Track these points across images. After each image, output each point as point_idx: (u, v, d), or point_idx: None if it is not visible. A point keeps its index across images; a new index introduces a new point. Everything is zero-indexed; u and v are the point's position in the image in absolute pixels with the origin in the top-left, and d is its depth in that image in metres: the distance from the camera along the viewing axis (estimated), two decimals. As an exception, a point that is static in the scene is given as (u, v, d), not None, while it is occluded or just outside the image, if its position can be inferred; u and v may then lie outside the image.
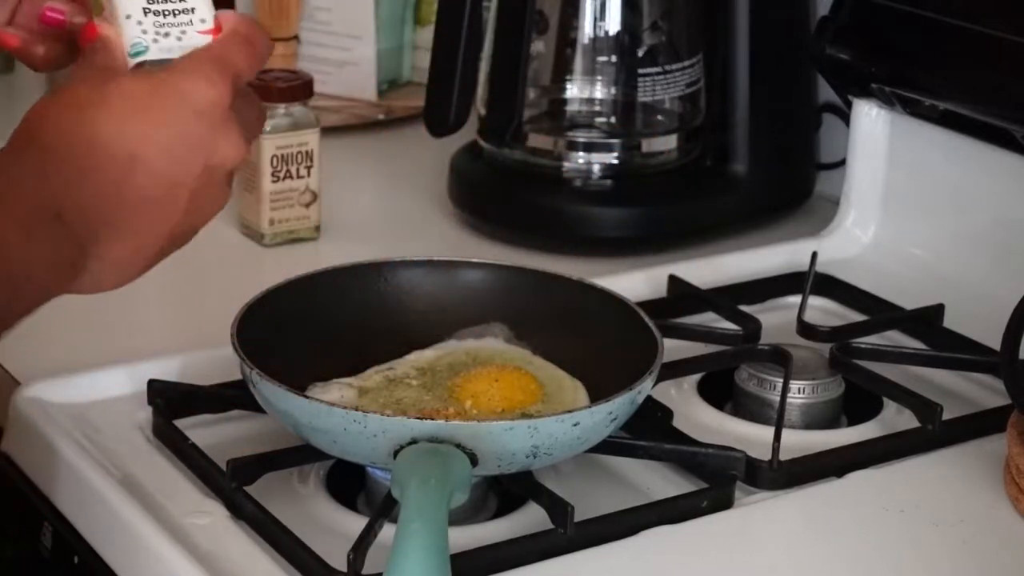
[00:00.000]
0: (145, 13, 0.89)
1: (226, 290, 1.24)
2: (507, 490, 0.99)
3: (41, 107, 0.81)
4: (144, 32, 0.89)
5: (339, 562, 0.89)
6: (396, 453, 0.91)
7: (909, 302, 1.23)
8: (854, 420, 1.12)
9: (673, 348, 1.10)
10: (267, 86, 1.36)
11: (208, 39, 0.88)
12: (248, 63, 0.84)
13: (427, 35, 1.51)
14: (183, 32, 0.90)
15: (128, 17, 0.89)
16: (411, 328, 1.10)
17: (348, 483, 1.01)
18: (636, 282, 1.26)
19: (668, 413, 1.06)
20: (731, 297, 1.24)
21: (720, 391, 1.14)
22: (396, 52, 1.70)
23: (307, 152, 1.36)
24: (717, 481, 1.00)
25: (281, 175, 1.35)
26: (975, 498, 1.01)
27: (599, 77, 1.40)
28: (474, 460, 0.92)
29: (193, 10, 0.89)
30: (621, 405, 0.96)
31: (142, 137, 0.80)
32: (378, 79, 1.66)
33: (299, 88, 1.36)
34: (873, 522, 0.98)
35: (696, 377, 1.15)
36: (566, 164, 1.39)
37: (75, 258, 0.81)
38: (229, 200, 0.86)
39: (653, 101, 1.40)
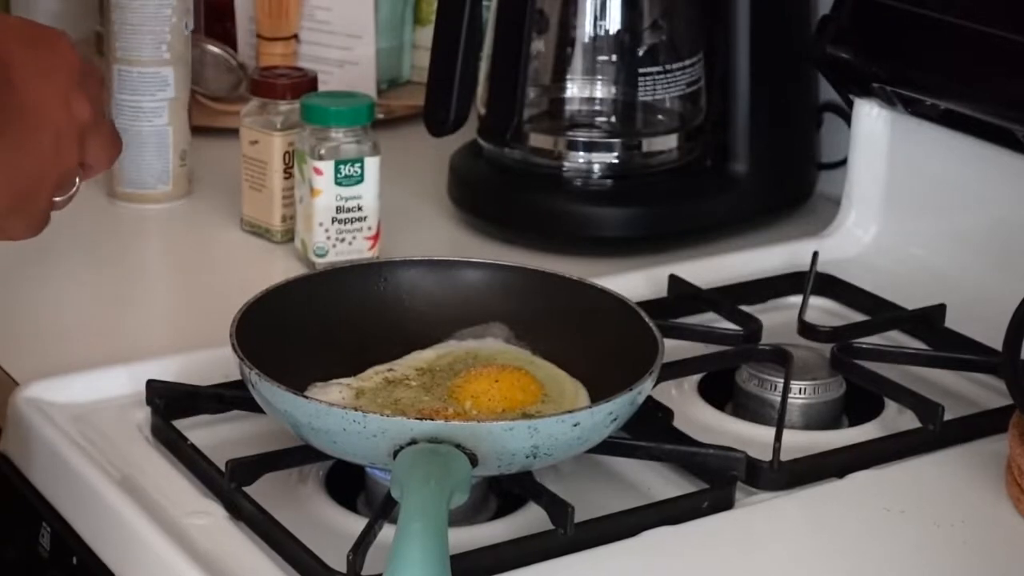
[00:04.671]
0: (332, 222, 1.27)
1: (224, 290, 1.24)
2: (507, 491, 0.99)
3: None
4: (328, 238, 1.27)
5: (339, 563, 0.88)
6: (396, 453, 0.91)
7: (910, 302, 1.23)
8: (855, 420, 1.11)
9: (673, 348, 1.10)
10: (273, 83, 1.36)
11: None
12: (93, 67, 0.94)
13: (427, 34, 1.50)
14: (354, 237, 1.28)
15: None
16: (410, 328, 1.09)
17: (348, 484, 1.01)
18: (636, 282, 1.26)
19: (669, 413, 1.06)
20: (732, 297, 1.24)
21: (721, 391, 1.13)
22: (396, 51, 1.70)
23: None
24: (718, 481, 1.00)
25: (292, 171, 1.35)
26: (976, 499, 1.01)
27: (599, 76, 1.40)
28: (474, 460, 0.91)
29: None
30: (621, 405, 0.96)
31: (14, 49, 0.88)
32: (378, 78, 1.66)
33: (305, 84, 1.37)
34: (874, 523, 0.98)
35: (697, 377, 1.14)
36: (566, 164, 1.39)
37: None
38: (77, 170, 0.92)
39: (653, 100, 1.39)
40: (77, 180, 0.93)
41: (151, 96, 1.43)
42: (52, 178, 0.90)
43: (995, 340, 1.05)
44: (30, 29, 0.90)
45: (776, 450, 1.01)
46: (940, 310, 1.21)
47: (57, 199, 0.93)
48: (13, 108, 0.87)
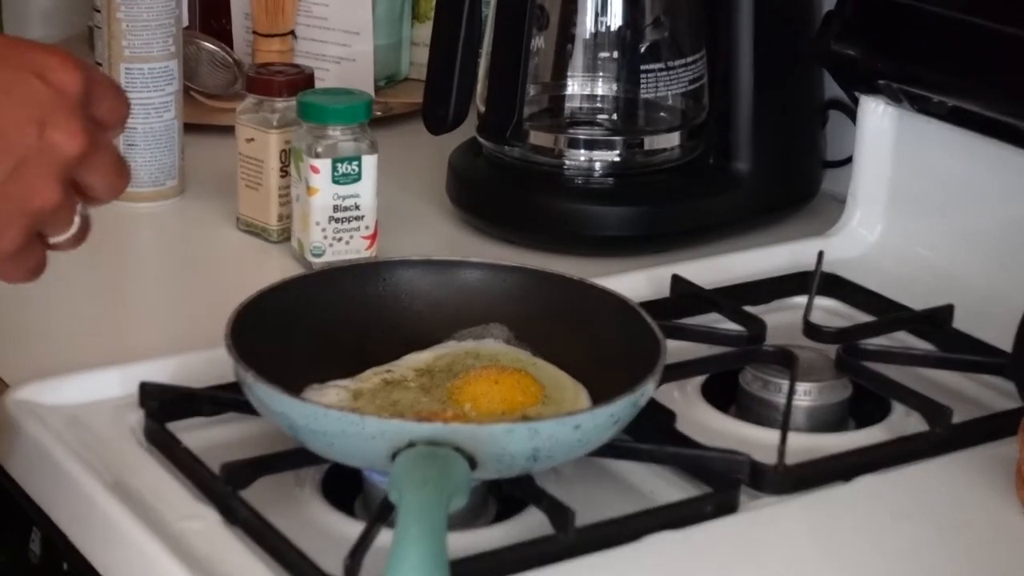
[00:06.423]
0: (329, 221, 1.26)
1: (219, 290, 1.23)
2: (507, 494, 0.98)
3: None
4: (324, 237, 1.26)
5: (336, 568, 0.88)
6: (394, 456, 0.90)
7: (917, 303, 1.22)
8: (861, 423, 1.11)
9: (676, 349, 1.09)
10: (269, 80, 1.35)
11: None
12: (110, 89, 0.86)
13: (425, 31, 1.49)
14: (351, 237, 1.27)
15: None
16: (409, 329, 1.09)
17: (345, 487, 1.00)
18: (638, 282, 1.25)
19: (671, 416, 1.05)
20: (735, 297, 1.23)
21: (724, 393, 1.13)
22: (394, 48, 1.70)
23: (313, 144, 1.35)
24: (721, 485, 0.99)
25: (289, 169, 1.34)
26: (984, 503, 1.00)
27: (600, 74, 1.39)
28: (473, 463, 0.91)
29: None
30: (623, 407, 0.95)
31: None
32: (376, 76, 1.65)
33: (302, 81, 1.36)
34: (880, 527, 0.97)
35: (700, 379, 1.14)
36: (567, 162, 1.38)
37: None
38: (61, 208, 0.84)
39: (655, 98, 1.39)
40: (76, 218, 0.86)
41: (160, 91, 1.42)
42: (18, 213, 0.83)
43: (1004, 341, 1.05)
44: (7, 48, 0.83)
45: (781, 453, 1.00)
46: (947, 311, 1.20)
47: (54, 240, 0.87)
48: None
